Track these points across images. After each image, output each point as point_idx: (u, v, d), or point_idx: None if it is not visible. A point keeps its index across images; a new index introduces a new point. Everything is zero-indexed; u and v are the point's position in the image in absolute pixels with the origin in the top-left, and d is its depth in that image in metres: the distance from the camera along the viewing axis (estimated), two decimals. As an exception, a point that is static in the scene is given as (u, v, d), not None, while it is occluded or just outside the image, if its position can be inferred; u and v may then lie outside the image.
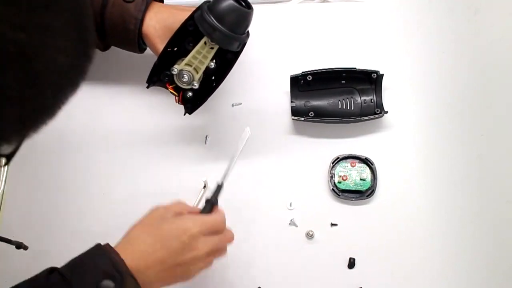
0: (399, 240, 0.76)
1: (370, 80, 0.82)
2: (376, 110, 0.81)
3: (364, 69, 0.81)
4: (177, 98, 0.72)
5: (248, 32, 0.69)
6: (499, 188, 0.70)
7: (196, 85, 0.70)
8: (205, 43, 0.67)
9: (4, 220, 0.80)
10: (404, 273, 0.75)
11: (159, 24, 0.73)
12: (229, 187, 0.70)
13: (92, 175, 0.82)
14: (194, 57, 0.68)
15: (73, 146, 0.83)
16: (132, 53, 0.77)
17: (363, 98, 0.82)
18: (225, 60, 0.71)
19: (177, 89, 0.71)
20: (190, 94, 0.71)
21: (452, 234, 0.75)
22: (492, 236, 0.70)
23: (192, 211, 0.66)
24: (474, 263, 0.72)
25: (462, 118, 0.77)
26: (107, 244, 0.59)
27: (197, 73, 0.69)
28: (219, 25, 0.64)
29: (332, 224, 0.78)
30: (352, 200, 0.78)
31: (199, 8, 0.67)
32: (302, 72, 0.81)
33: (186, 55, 0.69)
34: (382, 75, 0.81)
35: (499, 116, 0.71)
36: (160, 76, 0.72)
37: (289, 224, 0.78)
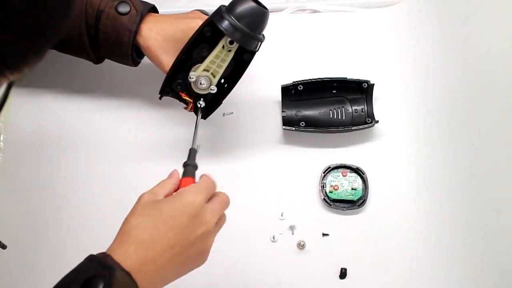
0: (391, 249, 0.76)
1: (361, 90, 0.82)
2: (367, 120, 0.81)
3: (355, 79, 0.81)
4: (189, 106, 0.73)
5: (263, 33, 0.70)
6: (490, 197, 0.70)
7: (214, 89, 0.70)
8: (223, 46, 0.68)
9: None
10: (395, 283, 0.75)
11: (160, 35, 0.72)
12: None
13: (82, 184, 0.81)
14: (213, 62, 0.69)
15: (65, 152, 0.83)
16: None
17: (354, 107, 0.83)
18: (240, 62, 0.71)
19: (190, 96, 0.72)
20: (201, 102, 0.72)
21: (443, 243, 0.75)
22: (483, 245, 0.70)
23: (177, 183, 0.59)
24: (465, 272, 0.72)
25: (453, 128, 0.77)
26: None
27: (215, 77, 0.70)
28: (240, 25, 0.65)
29: (324, 234, 0.77)
30: (343, 209, 0.78)
31: (217, 12, 0.67)
32: (293, 82, 0.81)
33: (198, 62, 0.69)
34: (373, 84, 0.81)
35: (490, 126, 0.71)
36: (172, 86, 0.72)
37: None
